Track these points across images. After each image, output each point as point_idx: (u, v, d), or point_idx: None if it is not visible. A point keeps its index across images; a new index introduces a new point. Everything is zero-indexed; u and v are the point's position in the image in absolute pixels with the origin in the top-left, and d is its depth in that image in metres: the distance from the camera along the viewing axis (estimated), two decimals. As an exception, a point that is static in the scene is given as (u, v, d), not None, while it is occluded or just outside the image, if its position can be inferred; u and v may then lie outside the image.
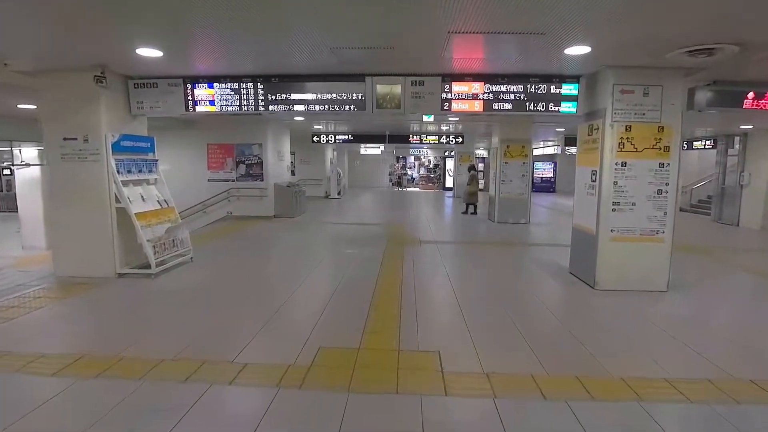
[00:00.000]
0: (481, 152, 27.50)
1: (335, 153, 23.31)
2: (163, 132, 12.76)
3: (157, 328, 4.33)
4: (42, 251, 15.72)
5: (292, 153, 20.15)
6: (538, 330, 4.34)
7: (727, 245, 9.74)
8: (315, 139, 16.11)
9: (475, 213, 14.26)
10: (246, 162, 12.53)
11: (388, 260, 7.24)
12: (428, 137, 16.37)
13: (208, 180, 12.74)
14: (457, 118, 11.87)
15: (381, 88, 5.98)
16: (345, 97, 6.06)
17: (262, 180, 12.55)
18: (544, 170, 27.12)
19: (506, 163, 12.10)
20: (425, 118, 9.47)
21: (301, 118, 11.97)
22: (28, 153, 14.97)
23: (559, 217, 14.84)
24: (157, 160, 7.10)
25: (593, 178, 5.90)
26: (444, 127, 15.28)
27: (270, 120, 12.35)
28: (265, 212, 12.63)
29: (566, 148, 19.97)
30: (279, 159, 13.43)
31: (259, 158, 12.46)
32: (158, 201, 6.85)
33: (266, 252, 8.30)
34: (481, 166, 27.87)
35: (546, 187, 26.48)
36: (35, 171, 15.35)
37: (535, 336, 4.12)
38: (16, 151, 14.97)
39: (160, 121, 11.59)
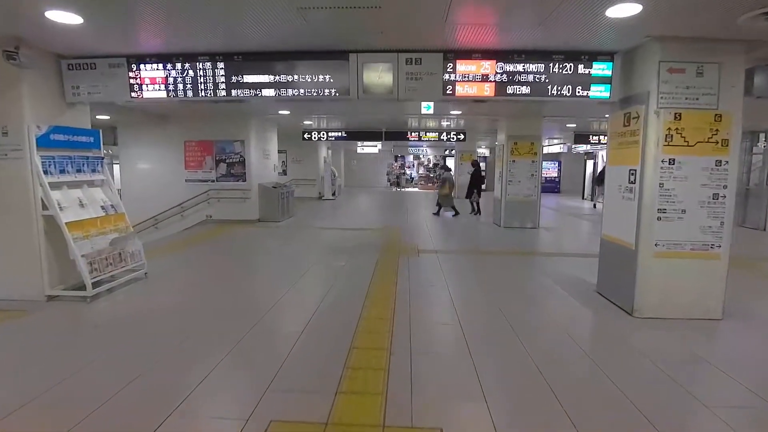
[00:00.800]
0: (483, 151, 26.37)
1: (329, 152, 22.20)
2: (136, 128, 11.65)
3: (59, 378, 3.18)
4: None
5: (283, 151, 19.05)
6: (573, 385, 3.20)
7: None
8: (306, 136, 14.96)
9: (456, 213, 13.31)
10: (227, 161, 11.38)
11: (380, 276, 6.09)
12: (428, 134, 15.22)
13: (186, 180, 11.59)
14: (459, 112, 10.73)
15: (368, 69, 4.84)
16: (324, 80, 4.92)
17: (245, 180, 11.41)
18: (549, 170, 25.99)
19: (513, 161, 10.98)
20: (424, 110, 8.38)
21: (287, 112, 10.84)
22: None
23: (568, 220, 13.71)
24: (102, 158, 5.94)
25: (632, 179, 4.77)
26: (445, 123, 14.13)
27: (253, 114, 11.21)
28: (248, 216, 11.49)
29: (574, 145, 18.88)
30: (264, 157, 12.29)
31: (241, 156, 11.32)
32: (103, 206, 5.71)
33: (239, 264, 7.15)
34: (482, 165, 26.76)
35: (550, 187, 25.34)
36: None
37: (570, 395, 2.99)
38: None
39: (132, 116, 10.47)
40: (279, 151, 18.37)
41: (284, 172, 19.46)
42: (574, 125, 13.69)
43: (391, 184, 29.06)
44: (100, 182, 5.93)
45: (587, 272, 6.62)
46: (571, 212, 15.73)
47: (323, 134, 14.97)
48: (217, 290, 5.69)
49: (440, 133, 15.08)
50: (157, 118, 11.17)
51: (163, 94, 5.12)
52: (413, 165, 30.85)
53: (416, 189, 27.69)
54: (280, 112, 10.72)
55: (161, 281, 5.98)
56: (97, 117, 10.30)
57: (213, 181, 11.49)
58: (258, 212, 11.70)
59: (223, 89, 5.02)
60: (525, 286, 5.98)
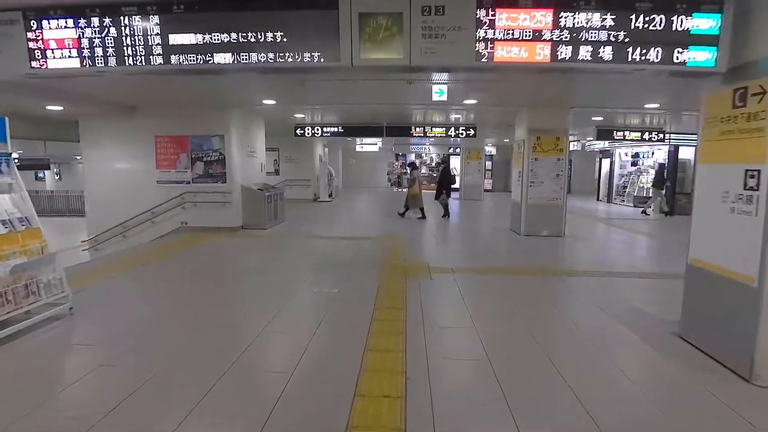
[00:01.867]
0: (489, 149, 24.86)
1: (326, 150, 20.70)
2: (100, 121, 10.11)
3: None
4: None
5: (275, 149, 17.55)
6: None
7: None
8: (298, 131, 13.43)
9: (423, 217, 12.30)
10: (204, 159, 9.86)
11: (383, 314, 4.56)
12: (433, 129, 13.69)
13: (158, 182, 10.06)
14: (474, 101, 9.18)
15: (366, 21, 3.33)
16: (304, 38, 3.40)
17: (225, 182, 9.88)
18: None
19: (536, 159, 9.47)
20: (435, 96, 6.87)
21: (272, 102, 9.31)
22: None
23: (595, 226, 12.19)
24: (9, 155, 4.42)
25: (750, 184, 3.25)
26: (453, 116, 12.61)
27: (234, 105, 9.68)
28: (229, 222, 9.97)
29: (593, 142, 17.38)
30: (248, 155, 10.76)
31: (220, 154, 9.79)
32: (5, 221, 4.19)
33: (201, 291, 5.60)
34: (488, 164, 25.28)
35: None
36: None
37: None
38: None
39: (93, 106, 8.95)
40: (269, 149, 16.85)
41: (276, 172, 17.95)
42: (601, 118, 12.17)
43: (392, 185, 27.55)
44: (6, 187, 4.42)
45: (647, 300, 5.25)
46: (592, 216, 14.23)
47: (317, 129, 13.42)
48: (176, 325, 4.20)
49: (448, 128, 13.54)
50: (123, 109, 9.64)
51: (75, 63, 3.61)
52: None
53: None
54: (265, 101, 9.20)
55: (89, 318, 4.46)
56: (48, 108, 8.78)
57: (188, 182, 9.96)
58: (241, 218, 10.18)
59: (159, 54, 3.50)
60: (576, 321, 4.46)
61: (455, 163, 24.67)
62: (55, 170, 29.81)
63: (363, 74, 3.90)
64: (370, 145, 21.35)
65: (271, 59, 3.40)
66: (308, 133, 13.46)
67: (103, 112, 9.50)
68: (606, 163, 19.90)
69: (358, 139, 20.44)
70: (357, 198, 19.70)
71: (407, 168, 30.09)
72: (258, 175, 11.34)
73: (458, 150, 24.28)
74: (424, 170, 28.08)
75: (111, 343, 3.86)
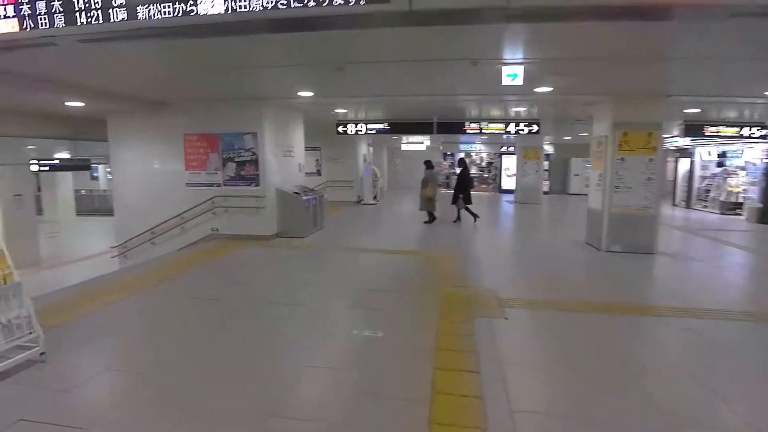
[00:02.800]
0: (547, 147, 22.87)
1: (370, 149, 19.54)
2: (128, 120, 9.38)
3: None
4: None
5: (317, 148, 16.55)
6: None
7: None
8: (340, 129, 12.30)
9: (431, 221, 11.33)
10: (236, 159, 8.87)
11: (448, 382, 3.24)
12: (490, 125, 12.19)
13: (187, 184, 9.19)
14: (550, 89, 7.61)
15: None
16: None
17: (258, 184, 8.85)
18: None
19: (621, 160, 7.83)
20: (506, 79, 5.41)
21: (309, 93, 8.17)
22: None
23: (688, 239, 10.28)
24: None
25: None
26: (515, 109, 11.06)
27: (268, 98, 8.62)
28: (263, 230, 8.94)
29: (675, 139, 15.25)
30: (285, 155, 9.70)
31: (253, 154, 8.77)
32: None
33: (216, 324, 4.50)
34: (546, 164, 23.31)
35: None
36: (-8, 171, 12.49)
37: None
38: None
39: (122, 103, 8.17)
40: (311, 148, 15.91)
41: (318, 173, 16.95)
42: (698, 110, 10.23)
43: (439, 186, 26.05)
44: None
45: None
46: (676, 225, 12.22)
47: (361, 126, 12.23)
48: (176, 376, 3.10)
49: (506, 124, 11.99)
50: (151, 106, 8.81)
51: (13, 25, 2.52)
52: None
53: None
54: (301, 93, 8.06)
55: (78, 364, 3.44)
56: (67, 104, 8.05)
57: (219, 185, 9.01)
58: (276, 225, 9.14)
59: (122, 7, 2.35)
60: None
61: (509, 163, 22.88)
62: (107, 169, 30.39)
63: (423, 24, 2.70)
64: (416, 143, 20.04)
65: (282, 4, 2.18)
66: (351, 131, 12.27)
67: (129, 108, 8.72)
68: (684, 163, 17.57)
69: (404, 138, 19.21)
70: (403, 200, 18.37)
71: (457, 167, 28.60)
72: (296, 176, 10.27)
73: (511, 149, 22.52)
74: (473, 170, 26.41)
75: (93, 414, 2.76)
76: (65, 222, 22.18)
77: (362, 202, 16.32)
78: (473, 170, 26.51)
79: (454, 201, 11.71)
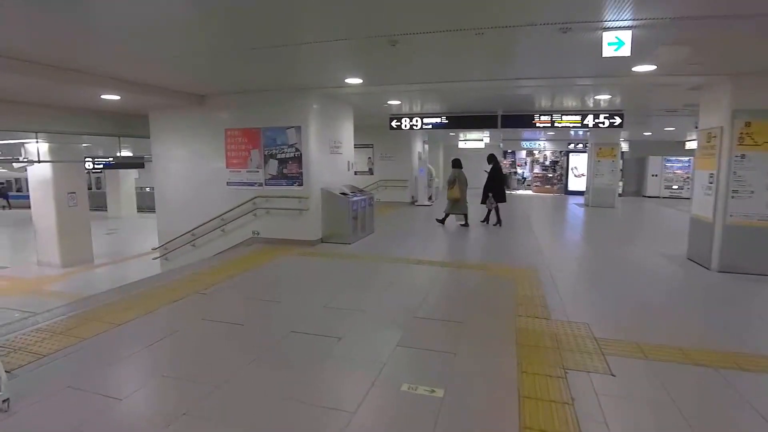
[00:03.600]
0: (623, 144, 20.67)
1: (426, 146, 18.39)
2: (169, 114, 8.87)
3: None
4: (56, 269, 12.96)
5: (369, 146, 15.66)
6: None
7: None
8: (394, 124, 11.29)
9: (466, 224, 10.34)
10: (278, 156, 8.08)
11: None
12: (564, 118, 10.70)
13: (228, 183, 8.53)
14: (652, 68, 6.13)
15: None
16: None
17: (302, 184, 8.01)
18: (674, 169, 19.73)
19: (741, 157, 6.25)
20: (608, 50, 4.11)
21: (357, 81, 7.19)
22: (41, 148, 12.16)
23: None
24: None
25: None
26: (596, 97, 9.55)
27: (313, 87, 7.75)
28: (306, 234, 8.09)
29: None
30: (331, 151, 8.81)
31: (296, 150, 7.94)
32: None
33: (212, 371, 3.58)
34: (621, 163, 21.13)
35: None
36: (47, 169, 12.59)
37: None
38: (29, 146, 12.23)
39: (163, 96, 7.62)
40: (362, 146, 15.05)
41: (370, 171, 16.05)
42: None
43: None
44: None
45: None
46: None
47: (416, 121, 11.15)
48: None
49: (583, 116, 10.46)
50: (191, 99, 8.23)
51: None
52: (525, 163, 25.85)
53: (529, 192, 22.88)
54: (349, 80, 7.09)
55: (53, 414, 2.65)
56: (103, 97, 7.56)
57: (260, 184, 8.27)
58: (320, 229, 8.27)
59: None
60: None
61: (577, 161, 20.94)
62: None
63: None
64: (474, 140, 18.66)
65: None
66: (405, 126, 11.24)
67: (167, 102, 8.16)
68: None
69: (461, 134, 17.93)
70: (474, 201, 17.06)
71: (515, 168, 26.78)
72: (344, 175, 9.36)
73: (580, 146, 20.56)
74: (537, 169, 24.57)
75: None
76: (126, 218, 22.81)
77: (416, 203, 15.23)
78: (536, 169, 24.68)
79: (484, 200, 10.66)
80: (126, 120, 10.03)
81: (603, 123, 10.38)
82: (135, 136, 10.14)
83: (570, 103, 10.40)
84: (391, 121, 11.30)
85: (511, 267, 6.40)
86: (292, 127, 7.88)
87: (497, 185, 10.57)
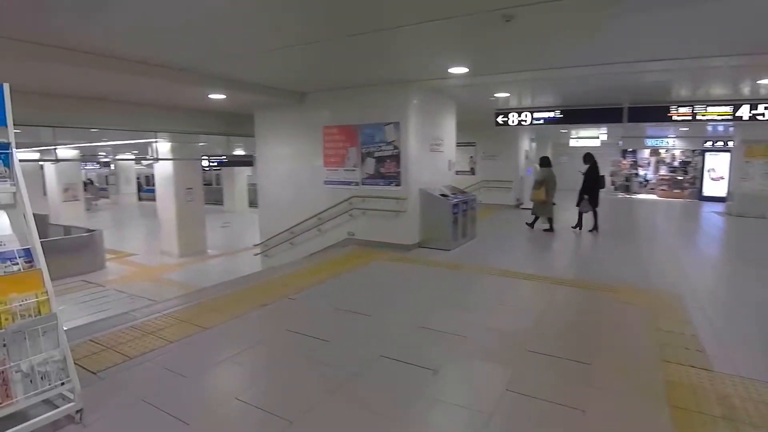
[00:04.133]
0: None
1: (533, 144, 17.04)
2: (273, 113, 8.96)
3: None
4: (174, 258, 14.01)
5: (471, 144, 14.81)
6: None
7: None
8: (500, 120, 10.38)
9: (551, 230, 9.47)
10: (375, 154, 7.70)
11: None
12: (709, 109, 8.95)
13: (325, 182, 8.37)
14: None
15: None
16: None
17: (399, 184, 7.54)
18: None
19: None
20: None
21: (462, 70, 6.50)
22: (162, 147, 13.23)
23: None
24: (7, 146, 2.64)
25: None
26: (759, 82, 7.80)
27: (413, 80, 7.21)
28: (403, 237, 7.61)
29: None
30: (431, 149, 8.22)
31: (395, 147, 7.48)
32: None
33: (286, 396, 3.18)
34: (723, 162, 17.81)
35: None
36: (169, 167, 13.63)
37: None
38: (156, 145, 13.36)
39: (267, 94, 7.67)
40: (465, 144, 14.25)
41: (472, 171, 15.17)
42: None
43: (615, 189, 21.95)
44: (9, 198, 2.71)
45: None
46: None
47: (525, 116, 10.12)
48: None
49: (736, 106, 8.66)
50: (292, 97, 8.19)
51: None
52: (649, 163, 22.91)
53: (654, 196, 20.19)
54: (453, 70, 6.43)
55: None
56: (210, 96, 7.77)
57: (357, 183, 7.96)
58: (417, 233, 7.74)
59: None
60: None
61: (716, 162, 17.98)
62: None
63: None
64: (589, 138, 16.81)
65: None
66: (513, 122, 10.27)
67: (272, 101, 8.22)
68: None
69: (573, 131, 16.27)
70: (571, 204, 15.48)
71: (636, 170, 23.77)
72: (444, 175, 8.73)
73: (719, 143, 17.60)
74: (663, 171, 21.67)
75: None
76: (239, 213, 24.43)
77: (522, 206, 14.05)
78: (662, 170, 21.75)
79: (580, 203, 9.48)
80: (235, 119, 10.41)
81: (762, 115, 8.50)
82: (243, 135, 10.48)
83: (717, 90, 8.67)
84: (497, 117, 10.40)
85: (645, 290, 5.27)
86: (391, 123, 7.43)
87: (593, 188, 9.38)
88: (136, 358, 3.45)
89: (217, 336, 3.97)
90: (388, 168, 7.57)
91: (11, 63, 5.08)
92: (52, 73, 5.96)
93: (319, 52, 5.40)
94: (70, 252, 11.79)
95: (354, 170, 7.95)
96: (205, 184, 30.40)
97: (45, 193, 19.22)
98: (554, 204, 9.75)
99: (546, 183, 9.36)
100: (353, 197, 7.98)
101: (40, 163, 18.85)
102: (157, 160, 12.45)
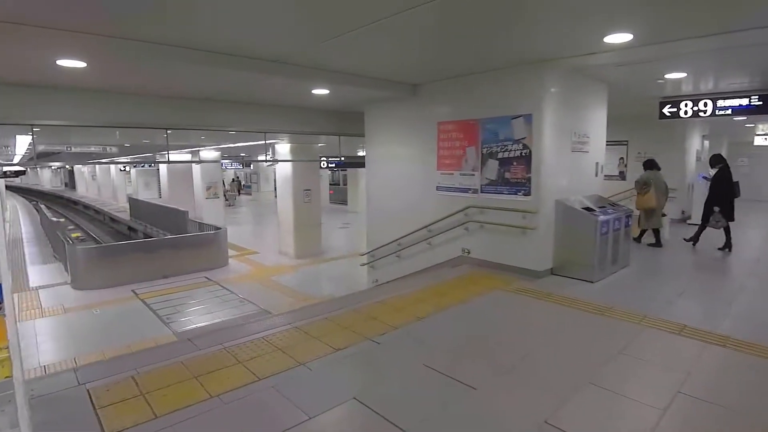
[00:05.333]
0: None
1: (705, 143, 13.67)
2: (383, 109, 8.03)
3: None
4: (290, 259, 13.96)
5: (622, 143, 12.30)
6: None
7: None
8: (667, 110, 8.05)
9: (657, 244, 7.79)
10: (499, 155, 6.23)
11: None
12: None
13: (437, 188, 7.15)
14: None
15: None
16: None
17: (529, 193, 5.97)
18: None
19: None
20: None
21: (626, 37, 4.71)
22: (282, 148, 13.21)
23: None
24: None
25: None
26: None
27: (549, 59, 5.59)
28: (530, 261, 6.02)
29: None
30: (573, 148, 6.44)
31: (524, 146, 5.94)
32: None
33: None
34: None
35: None
36: (288, 168, 13.58)
37: None
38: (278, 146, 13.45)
39: (378, 87, 6.78)
40: (614, 143, 11.79)
41: (621, 176, 12.60)
42: None
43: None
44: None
45: None
46: None
47: (705, 104, 7.68)
48: None
49: None
50: (404, 90, 7.13)
51: None
52: None
53: None
54: (611, 38, 4.69)
55: None
56: (313, 92, 7.05)
57: (475, 191, 6.58)
58: (551, 256, 6.09)
59: None
60: None
61: None
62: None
63: None
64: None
65: None
66: (686, 113, 7.88)
67: (381, 95, 7.29)
68: None
69: (760, 126, 12.67)
70: (756, 223, 11.87)
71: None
72: (589, 182, 6.88)
73: None
74: None
75: None
76: (361, 213, 24.44)
77: (689, 222, 11.17)
78: None
79: (706, 217, 7.60)
80: (346, 118, 9.77)
81: None
82: (354, 134, 9.77)
83: None
84: (661, 107, 8.09)
85: None
86: (520, 116, 5.91)
87: (725, 196, 7.32)
88: (195, 405, 2.66)
89: (289, 382, 3.02)
90: (514, 172, 6.06)
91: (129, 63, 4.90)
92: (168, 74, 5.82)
93: (431, 25, 4.20)
94: (199, 248, 12.33)
95: (472, 174, 6.58)
96: (332, 184, 31.67)
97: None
98: (664, 215, 8.04)
99: (654, 186, 7.59)
100: (470, 207, 6.62)
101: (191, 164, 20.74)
102: (267, 161, 12.44)
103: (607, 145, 7.71)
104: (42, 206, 28.99)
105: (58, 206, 34.22)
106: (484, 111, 6.30)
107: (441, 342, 3.95)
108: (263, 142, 9.95)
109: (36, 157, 13.54)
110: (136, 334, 7.23)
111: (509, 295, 5.19)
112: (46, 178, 57.51)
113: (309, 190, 13.52)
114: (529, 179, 5.93)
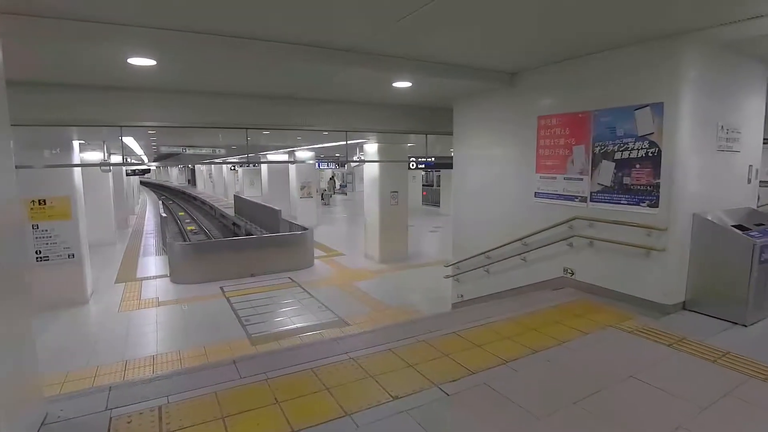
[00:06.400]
0: None
1: None
2: (474, 103, 7.11)
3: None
4: (375, 263, 13.43)
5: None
6: None
7: None
8: None
9: None
10: (616, 155, 5.00)
11: None
12: None
13: (536, 194, 6.06)
14: None
15: None
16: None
17: (655, 203, 4.68)
18: None
19: None
20: None
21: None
22: (369, 148, 12.74)
23: None
24: None
25: None
26: None
27: (687, 30, 4.27)
28: (655, 290, 4.72)
29: None
30: (719, 147, 4.95)
31: (650, 145, 4.67)
32: None
33: None
34: None
35: None
36: (375, 169, 13.08)
37: None
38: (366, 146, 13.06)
39: (470, 76, 5.97)
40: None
41: (774, 181, 10.17)
42: None
43: None
44: None
45: None
46: None
47: None
48: None
49: None
50: (499, 79, 6.15)
51: None
52: None
53: None
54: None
55: None
56: (394, 85, 6.34)
57: (583, 199, 5.41)
58: (684, 286, 4.74)
59: None
60: None
61: None
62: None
63: None
64: None
65: None
66: None
67: (472, 86, 6.40)
68: None
69: None
70: None
71: None
72: (740, 191, 5.32)
73: None
74: None
75: None
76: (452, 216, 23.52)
77: None
78: None
79: None
80: (432, 115, 8.99)
81: None
82: (441, 132, 8.96)
83: None
84: None
85: None
86: (647, 105, 4.65)
87: None
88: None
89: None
90: (637, 177, 4.81)
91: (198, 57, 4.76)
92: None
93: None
94: (285, 248, 12.38)
95: (580, 179, 5.42)
96: (425, 185, 30.97)
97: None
98: None
99: None
100: (576, 218, 5.45)
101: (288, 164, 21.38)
102: (354, 161, 12.03)
103: (764, 143, 5.98)
104: (160, 201, 32.31)
105: (180, 201, 37.95)
106: (598, 101, 5.11)
107: (531, 401, 3.01)
108: (353, 141, 9.61)
109: (158, 158, 14.61)
110: (214, 335, 7.26)
111: (627, 337, 4.02)
112: (174, 175, 64.53)
113: (396, 192, 12.94)
114: (657, 186, 4.64)
